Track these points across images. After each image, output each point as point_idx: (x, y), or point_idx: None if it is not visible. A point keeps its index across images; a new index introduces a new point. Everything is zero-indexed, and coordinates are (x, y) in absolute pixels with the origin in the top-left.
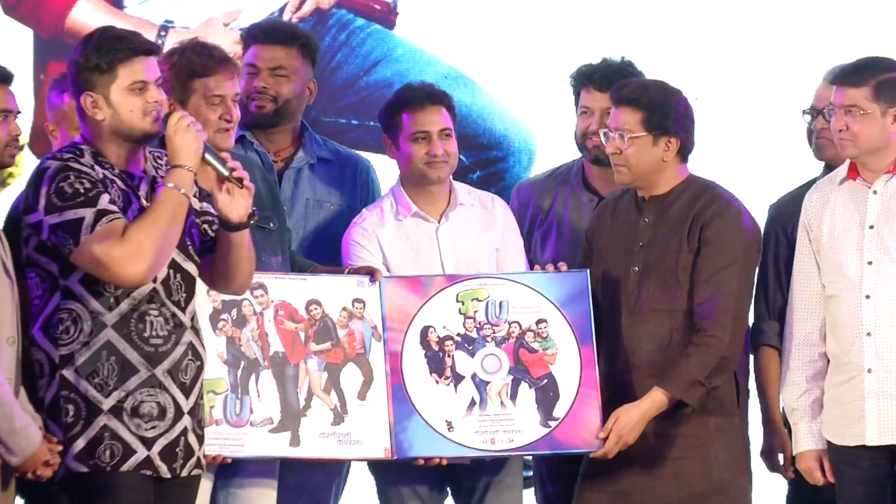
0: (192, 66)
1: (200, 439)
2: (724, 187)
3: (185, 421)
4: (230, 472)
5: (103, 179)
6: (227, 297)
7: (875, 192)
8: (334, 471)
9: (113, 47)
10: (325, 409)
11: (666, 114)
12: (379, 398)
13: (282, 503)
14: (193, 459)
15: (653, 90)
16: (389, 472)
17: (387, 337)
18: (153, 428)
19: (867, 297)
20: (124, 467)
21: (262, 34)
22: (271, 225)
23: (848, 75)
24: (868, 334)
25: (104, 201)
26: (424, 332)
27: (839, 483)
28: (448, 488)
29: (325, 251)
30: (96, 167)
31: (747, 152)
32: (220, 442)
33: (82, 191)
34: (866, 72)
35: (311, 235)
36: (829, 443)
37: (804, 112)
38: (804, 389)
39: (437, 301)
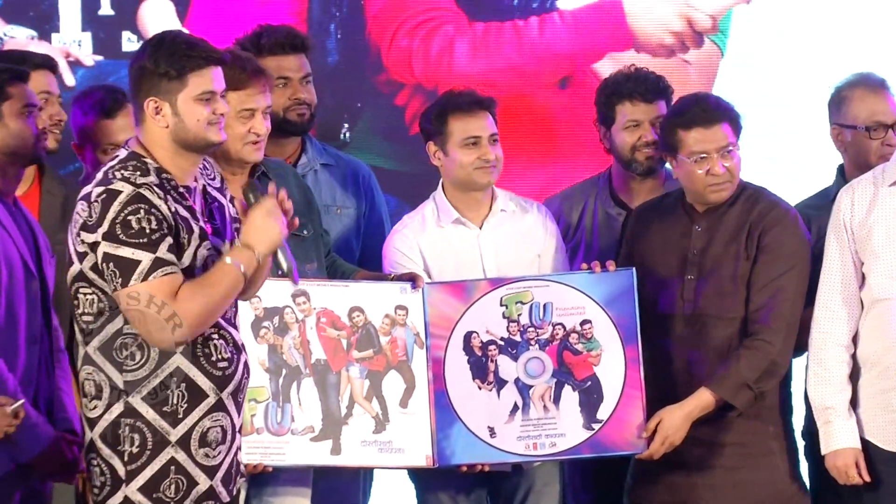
0: (224, 78)
1: (240, 451)
2: (775, 193)
3: (238, 441)
4: (263, 479)
5: (173, 215)
6: (269, 305)
7: None
8: (360, 474)
9: (186, 54)
10: (367, 417)
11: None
12: (421, 406)
13: None
14: (240, 474)
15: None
16: (429, 479)
17: (429, 343)
18: (218, 454)
19: None
20: (187, 502)
21: (286, 44)
22: (305, 232)
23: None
24: None
25: (164, 248)
26: (468, 337)
27: (881, 487)
28: (487, 495)
29: (337, 255)
30: (167, 198)
31: (768, 157)
32: (261, 451)
33: (147, 231)
34: None
35: None
36: (871, 446)
37: (850, 127)
38: (840, 388)
39: (481, 305)
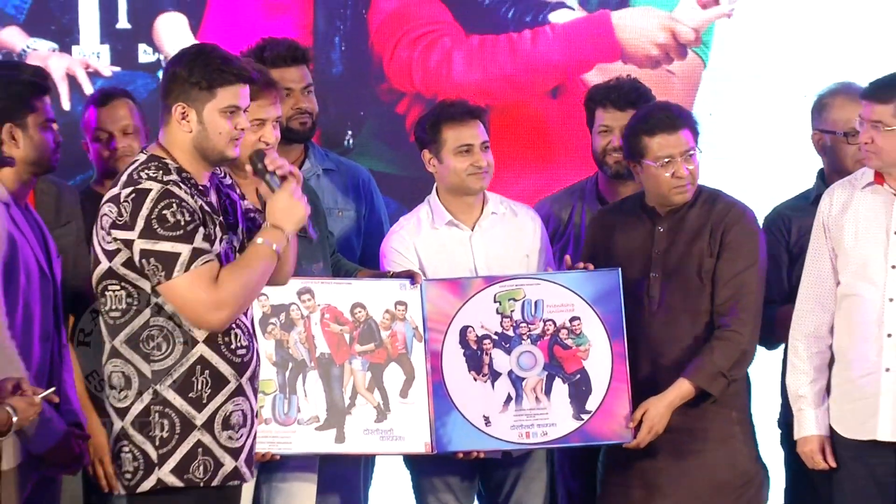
0: None
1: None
2: (729, 195)
3: (255, 424)
4: (272, 467)
5: (201, 208)
6: (276, 302)
7: None
8: (362, 461)
9: (219, 68)
10: (369, 406)
11: None
12: (420, 396)
13: (318, 494)
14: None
15: None
16: (424, 465)
17: (427, 337)
18: (240, 437)
19: (890, 300)
20: (215, 482)
21: (288, 57)
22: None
23: (876, 91)
24: (889, 335)
25: (200, 238)
26: (464, 331)
27: (842, 474)
28: (479, 480)
29: (340, 253)
30: (194, 196)
31: (749, 162)
32: (270, 440)
33: (182, 223)
34: (893, 89)
35: None
36: (835, 434)
37: (836, 133)
38: (812, 378)
39: (476, 302)
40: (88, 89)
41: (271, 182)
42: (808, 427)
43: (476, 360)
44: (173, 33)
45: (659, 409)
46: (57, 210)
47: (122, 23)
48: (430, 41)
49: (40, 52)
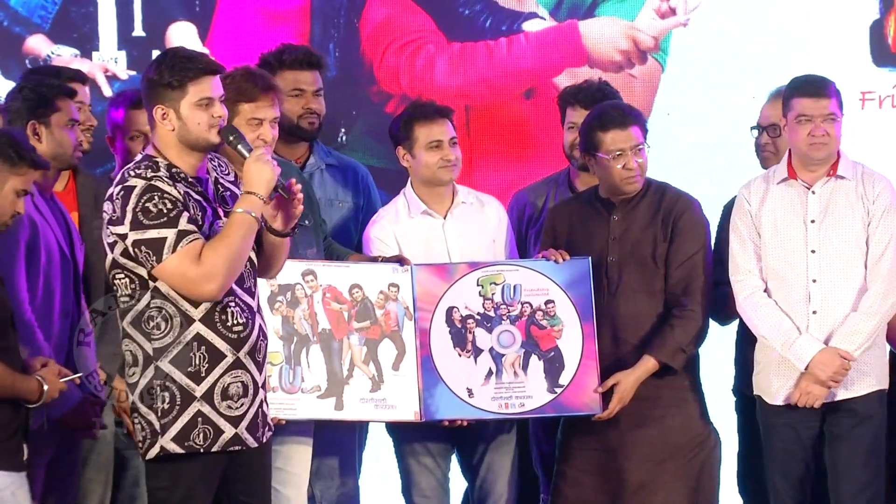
0: (239, 91)
1: (267, 405)
2: (675, 186)
3: (261, 394)
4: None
5: (184, 196)
6: (283, 282)
7: (814, 193)
8: (357, 428)
9: (184, 66)
10: (365, 378)
11: None
12: (410, 369)
13: (314, 457)
14: (267, 426)
15: None
16: (405, 432)
17: (417, 316)
18: (241, 406)
19: (814, 280)
20: (215, 448)
21: (304, 61)
22: (307, 222)
23: (820, 88)
24: (814, 312)
25: (184, 221)
26: (449, 311)
27: (772, 439)
28: (455, 445)
29: (339, 242)
30: (176, 185)
31: (702, 157)
32: (276, 406)
33: (165, 211)
34: (830, 85)
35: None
36: (762, 402)
37: (752, 128)
38: (781, 319)
39: (461, 285)
40: (107, 91)
41: (243, 150)
42: (812, 347)
43: (460, 338)
44: (184, 40)
45: (629, 382)
46: (95, 202)
47: (138, 31)
48: (416, 48)
49: (63, 57)
